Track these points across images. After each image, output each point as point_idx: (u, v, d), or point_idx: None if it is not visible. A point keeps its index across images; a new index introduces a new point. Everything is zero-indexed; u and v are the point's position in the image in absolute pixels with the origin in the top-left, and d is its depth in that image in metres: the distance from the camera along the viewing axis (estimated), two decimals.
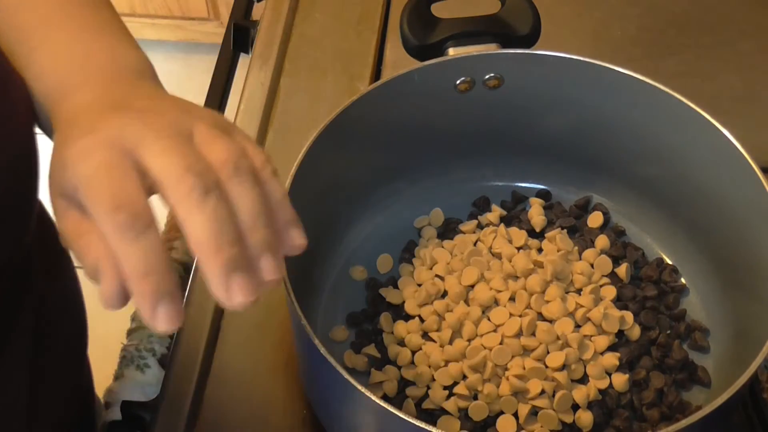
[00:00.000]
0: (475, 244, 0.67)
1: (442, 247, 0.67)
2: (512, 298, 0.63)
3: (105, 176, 0.38)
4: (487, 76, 0.65)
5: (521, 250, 0.66)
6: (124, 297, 0.38)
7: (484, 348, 0.60)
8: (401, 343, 0.63)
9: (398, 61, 0.83)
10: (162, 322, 0.37)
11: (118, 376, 0.68)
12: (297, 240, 0.42)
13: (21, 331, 0.59)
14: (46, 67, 0.48)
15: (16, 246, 0.53)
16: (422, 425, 0.47)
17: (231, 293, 0.38)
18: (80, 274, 0.71)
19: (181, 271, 0.73)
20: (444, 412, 0.59)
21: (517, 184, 0.72)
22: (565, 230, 0.68)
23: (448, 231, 0.69)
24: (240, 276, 0.38)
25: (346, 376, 0.49)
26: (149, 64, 0.48)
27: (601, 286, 0.65)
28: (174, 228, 0.76)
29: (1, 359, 0.57)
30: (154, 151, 0.39)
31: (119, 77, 0.46)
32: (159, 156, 0.39)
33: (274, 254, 0.40)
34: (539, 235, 0.68)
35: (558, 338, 0.61)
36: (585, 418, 0.59)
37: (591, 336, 0.62)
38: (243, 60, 0.86)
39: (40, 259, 0.61)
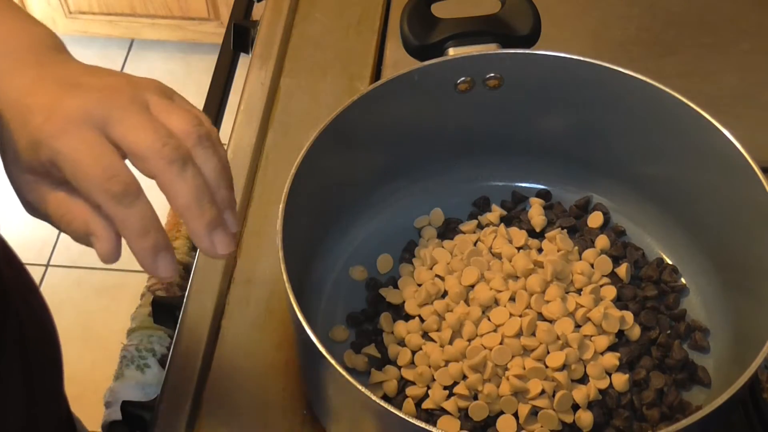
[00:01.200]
0: (475, 244, 0.67)
1: (442, 247, 0.67)
2: (512, 298, 0.63)
3: (89, 152, 0.43)
4: (487, 76, 0.65)
5: (521, 250, 0.66)
6: (119, 252, 0.44)
7: (484, 348, 0.60)
8: (401, 343, 0.63)
9: (398, 61, 0.83)
10: (163, 271, 0.43)
11: (118, 376, 0.68)
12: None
13: (11, 352, 0.60)
14: None
15: None
16: (422, 425, 0.47)
17: (215, 247, 0.45)
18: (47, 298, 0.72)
19: (181, 271, 0.73)
20: (444, 412, 0.59)
21: (517, 184, 0.72)
22: (565, 230, 0.68)
23: (448, 231, 0.69)
24: (220, 232, 0.45)
25: (346, 376, 0.49)
26: (58, 38, 0.50)
27: (601, 286, 0.65)
28: (174, 228, 0.76)
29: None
30: (126, 127, 0.43)
31: (42, 56, 0.48)
32: (132, 132, 0.43)
33: (233, 209, 0.47)
34: (539, 235, 0.68)
35: (558, 338, 0.61)
36: (585, 418, 0.59)
37: (591, 336, 0.62)
38: (243, 60, 0.86)
39: (13, 286, 0.62)
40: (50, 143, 0.43)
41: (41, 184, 0.45)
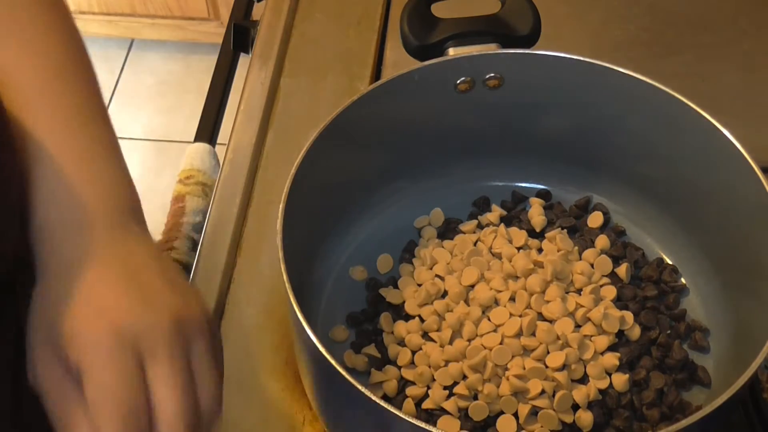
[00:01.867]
0: (475, 244, 0.67)
1: (442, 247, 0.67)
2: (512, 298, 0.63)
3: (117, 383, 0.41)
4: (487, 76, 0.65)
5: (521, 250, 0.66)
6: None
7: (484, 348, 0.60)
8: (401, 343, 0.63)
9: (398, 61, 0.83)
10: None
11: None
12: None
13: (3, 342, 0.60)
14: (41, 197, 0.47)
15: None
16: (422, 425, 0.47)
17: None
18: None
19: (181, 271, 0.73)
20: (444, 412, 0.59)
21: (517, 184, 0.72)
22: (565, 230, 0.68)
23: (448, 231, 0.69)
24: None
25: (346, 376, 0.49)
26: (137, 197, 0.49)
27: (601, 286, 0.65)
28: (174, 228, 0.76)
29: None
30: (162, 375, 0.42)
31: (118, 220, 0.46)
32: (164, 385, 0.42)
33: None
34: (539, 235, 0.68)
35: (558, 338, 0.61)
36: (585, 418, 0.59)
37: (591, 336, 0.62)
38: (243, 60, 0.87)
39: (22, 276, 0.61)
40: (84, 346, 0.41)
41: (56, 366, 0.43)
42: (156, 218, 0.72)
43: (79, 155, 0.48)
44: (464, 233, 0.69)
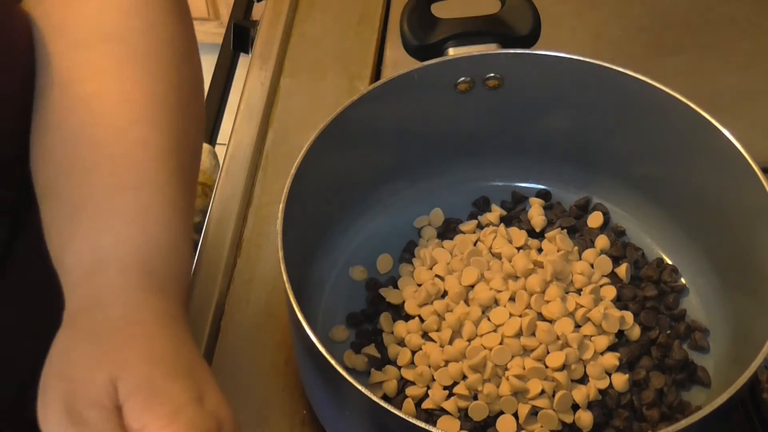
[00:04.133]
0: (475, 244, 0.67)
1: (442, 247, 0.67)
2: (512, 298, 0.63)
3: None
4: (487, 76, 0.65)
5: (521, 250, 0.66)
6: None
7: (484, 348, 0.60)
8: (401, 343, 0.63)
9: (398, 61, 0.83)
10: None
11: None
12: None
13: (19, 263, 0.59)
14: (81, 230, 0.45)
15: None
16: (422, 425, 0.47)
17: None
18: None
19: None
20: (444, 412, 0.59)
21: (517, 184, 0.72)
22: (565, 230, 0.68)
23: (448, 231, 0.69)
24: None
25: (346, 376, 0.49)
26: (175, 268, 0.47)
27: (601, 286, 0.65)
28: None
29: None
30: None
31: (151, 284, 0.45)
32: None
33: None
34: (539, 235, 0.68)
35: (558, 338, 0.61)
36: (585, 418, 0.59)
37: (591, 336, 0.62)
38: (243, 60, 0.87)
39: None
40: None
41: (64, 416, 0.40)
42: None
43: (134, 209, 0.46)
44: (464, 233, 0.69)
